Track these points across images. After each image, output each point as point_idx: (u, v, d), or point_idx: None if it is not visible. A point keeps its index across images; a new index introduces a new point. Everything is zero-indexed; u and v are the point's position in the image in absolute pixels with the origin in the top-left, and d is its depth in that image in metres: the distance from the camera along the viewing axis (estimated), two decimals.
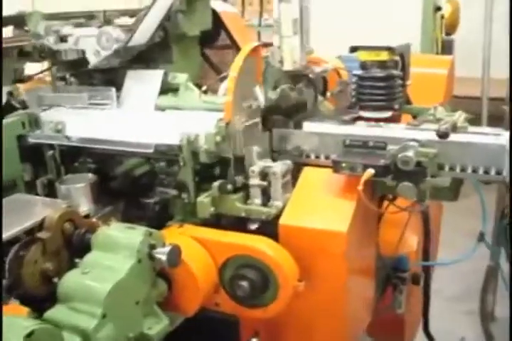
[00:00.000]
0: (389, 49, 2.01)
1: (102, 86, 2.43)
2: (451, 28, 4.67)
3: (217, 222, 2.15)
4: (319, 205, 2.03)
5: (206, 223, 2.13)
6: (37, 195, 2.32)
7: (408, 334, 2.88)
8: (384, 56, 2.01)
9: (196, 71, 2.49)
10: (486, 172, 1.94)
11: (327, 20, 5.71)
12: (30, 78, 2.66)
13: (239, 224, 2.10)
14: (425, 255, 2.62)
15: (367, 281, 2.25)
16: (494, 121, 3.57)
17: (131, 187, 2.32)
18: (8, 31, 2.62)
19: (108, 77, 2.46)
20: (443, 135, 1.86)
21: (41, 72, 2.61)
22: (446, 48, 4.55)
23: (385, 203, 2.34)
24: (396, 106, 2.11)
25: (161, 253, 1.81)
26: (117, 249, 1.81)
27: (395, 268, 2.49)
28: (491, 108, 4.09)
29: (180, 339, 2.25)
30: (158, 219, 2.20)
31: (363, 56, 2.04)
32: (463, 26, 4.42)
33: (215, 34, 2.63)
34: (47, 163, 2.32)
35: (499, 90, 4.04)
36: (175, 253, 1.84)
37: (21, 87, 2.55)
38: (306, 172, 2.11)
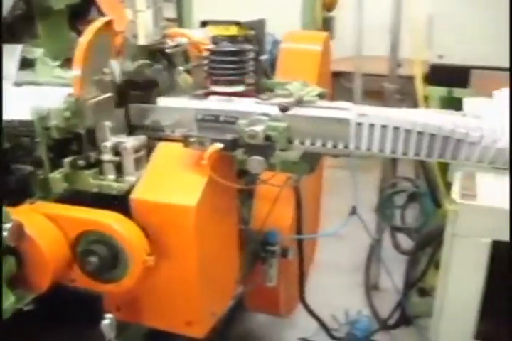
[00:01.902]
0: (237, 24, 2.01)
1: None
2: (330, 5, 4.72)
3: (77, 198, 2.14)
4: (171, 180, 2.04)
5: (65, 200, 2.13)
6: None
7: (286, 306, 2.94)
8: (233, 30, 2.02)
9: (66, 46, 2.44)
10: (335, 146, 1.97)
11: None
12: None
13: (97, 201, 2.10)
14: (297, 229, 2.66)
15: (227, 256, 2.26)
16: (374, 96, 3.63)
17: None
18: None
19: None
20: (283, 108, 1.88)
21: None
22: (326, 26, 4.62)
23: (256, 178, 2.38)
24: (250, 81, 2.12)
25: (3, 230, 1.80)
26: None
27: (265, 242, 2.53)
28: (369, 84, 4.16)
29: (46, 314, 2.26)
30: (18, 197, 2.18)
31: (212, 31, 2.04)
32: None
33: (86, 8, 2.59)
34: None
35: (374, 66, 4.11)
36: (16, 229, 1.83)
37: None
38: (161, 147, 2.11)
